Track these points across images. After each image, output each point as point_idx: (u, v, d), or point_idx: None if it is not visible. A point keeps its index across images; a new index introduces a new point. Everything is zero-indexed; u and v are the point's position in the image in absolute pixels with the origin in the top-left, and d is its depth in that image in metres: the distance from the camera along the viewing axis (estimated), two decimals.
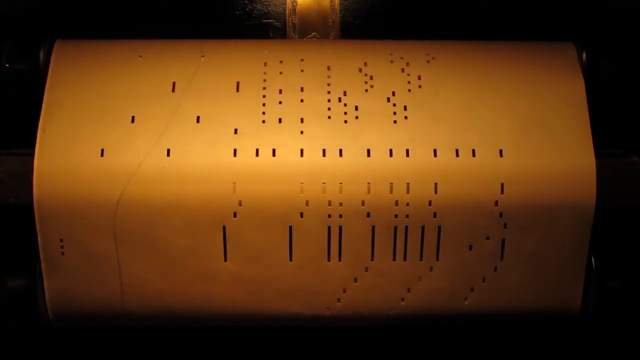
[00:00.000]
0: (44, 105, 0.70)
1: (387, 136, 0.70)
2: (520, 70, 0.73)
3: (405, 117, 0.70)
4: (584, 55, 0.73)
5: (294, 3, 0.83)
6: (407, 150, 0.69)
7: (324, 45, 0.76)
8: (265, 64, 0.73)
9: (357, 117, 0.70)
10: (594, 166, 0.69)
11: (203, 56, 0.73)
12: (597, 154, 0.70)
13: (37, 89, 0.72)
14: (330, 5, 0.83)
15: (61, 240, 0.70)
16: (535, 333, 0.86)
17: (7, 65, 0.73)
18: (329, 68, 0.72)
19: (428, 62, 0.73)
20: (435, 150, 0.69)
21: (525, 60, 0.74)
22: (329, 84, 0.72)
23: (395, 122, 0.70)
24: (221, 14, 0.83)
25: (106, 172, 0.68)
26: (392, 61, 0.73)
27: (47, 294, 0.72)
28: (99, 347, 0.85)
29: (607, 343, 0.82)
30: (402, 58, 0.73)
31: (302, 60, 0.73)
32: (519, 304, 0.73)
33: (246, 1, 0.83)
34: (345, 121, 0.70)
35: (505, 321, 0.75)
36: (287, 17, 0.83)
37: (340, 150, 0.69)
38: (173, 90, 0.71)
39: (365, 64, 0.73)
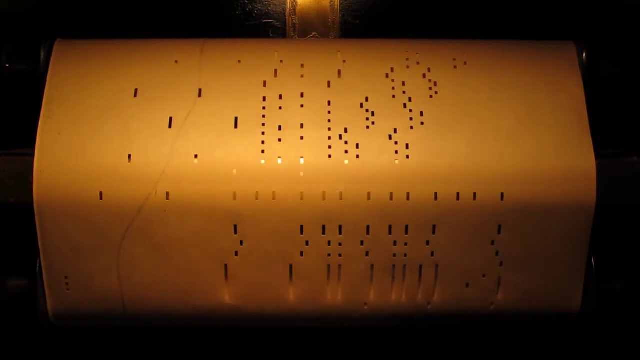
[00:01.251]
0: (43, 105, 0.69)
1: (388, 178, 0.67)
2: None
3: (407, 157, 0.68)
4: (584, 55, 0.72)
5: (294, 3, 0.82)
6: (408, 194, 0.67)
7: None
8: (264, 98, 0.69)
9: (357, 156, 0.68)
10: (594, 166, 0.68)
11: (201, 89, 0.70)
12: (597, 154, 0.68)
13: (37, 89, 0.71)
14: (330, 5, 0.82)
15: (66, 277, 0.69)
16: (535, 333, 0.86)
17: (7, 65, 0.73)
18: (329, 103, 0.69)
19: (431, 97, 0.69)
20: (436, 194, 0.67)
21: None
22: (329, 120, 0.69)
23: (397, 161, 0.68)
24: (221, 13, 0.83)
25: (107, 214, 0.67)
26: (394, 96, 0.70)
27: (51, 315, 0.72)
28: (99, 347, 0.86)
29: (607, 343, 0.82)
30: (404, 93, 0.70)
31: (302, 94, 0.70)
32: (519, 308, 0.72)
33: (246, 1, 0.83)
34: (346, 160, 0.68)
35: (504, 322, 0.76)
36: (287, 17, 0.82)
37: (341, 193, 0.67)
38: (170, 126, 0.68)
39: (367, 99, 0.69)
